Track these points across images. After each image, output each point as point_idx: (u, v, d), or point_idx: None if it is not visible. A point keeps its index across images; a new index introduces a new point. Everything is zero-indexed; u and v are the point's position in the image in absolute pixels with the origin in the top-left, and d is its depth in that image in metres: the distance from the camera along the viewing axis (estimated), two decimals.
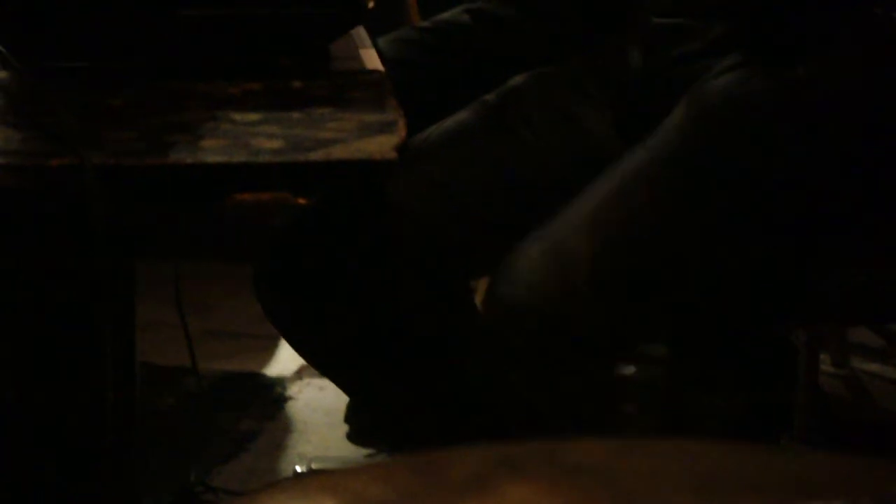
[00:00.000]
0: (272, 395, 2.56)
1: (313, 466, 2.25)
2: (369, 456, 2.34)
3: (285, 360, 2.64)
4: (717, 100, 1.55)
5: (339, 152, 1.33)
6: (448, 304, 1.86)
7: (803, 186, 1.54)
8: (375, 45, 1.61)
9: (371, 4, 1.53)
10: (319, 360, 1.85)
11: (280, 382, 2.60)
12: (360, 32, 1.61)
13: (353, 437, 2.43)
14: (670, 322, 1.56)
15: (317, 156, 1.32)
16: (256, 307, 1.88)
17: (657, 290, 1.53)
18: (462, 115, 1.81)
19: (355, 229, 1.75)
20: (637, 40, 1.70)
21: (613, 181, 1.56)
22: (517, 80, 1.81)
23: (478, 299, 2.47)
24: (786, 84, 1.55)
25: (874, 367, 2.62)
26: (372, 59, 1.57)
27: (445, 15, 2.22)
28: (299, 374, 2.61)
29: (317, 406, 2.51)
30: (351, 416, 2.45)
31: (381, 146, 1.34)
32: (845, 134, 1.54)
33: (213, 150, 1.32)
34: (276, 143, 1.34)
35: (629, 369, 2.33)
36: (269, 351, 2.68)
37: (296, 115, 1.41)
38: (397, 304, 1.76)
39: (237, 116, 1.40)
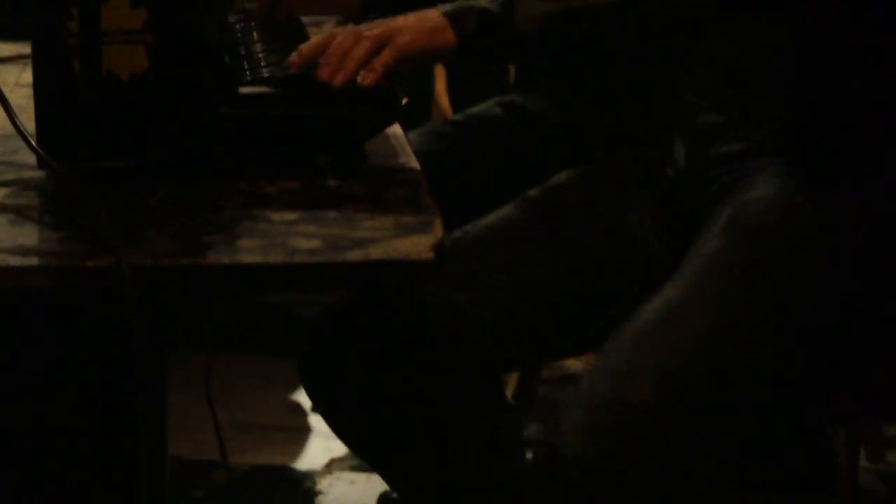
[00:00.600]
0: (301, 490, 2.54)
1: None
2: None
3: (315, 454, 2.63)
4: (760, 221, 1.54)
5: (375, 252, 1.32)
6: (481, 398, 1.85)
7: (847, 300, 1.54)
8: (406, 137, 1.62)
9: (405, 101, 1.54)
10: (359, 448, 1.84)
11: (309, 476, 2.58)
12: (396, 129, 1.61)
13: None
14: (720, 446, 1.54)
15: (354, 256, 1.32)
16: (285, 400, 1.87)
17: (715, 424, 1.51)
18: (504, 212, 1.80)
19: (394, 321, 1.75)
20: (682, 137, 1.69)
21: (661, 316, 1.53)
22: (560, 177, 1.80)
23: (509, 392, 2.46)
24: (831, 206, 1.55)
25: None
26: (407, 156, 1.57)
27: (477, 108, 2.23)
28: (329, 468, 2.59)
29: (346, 501, 2.49)
30: None
31: (418, 246, 1.33)
32: (889, 257, 1.54)
33: (249, 251, 1.32)
34: (312, 243, 1.34)
35: None
36: (298, 444, 2.67)
37: (332, 214, 1.41)
38: (433, 397, 1.75)
39: (274, 215, 1.40)
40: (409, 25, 1.51)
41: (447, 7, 1.53)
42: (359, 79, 1.48)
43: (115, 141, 1.46)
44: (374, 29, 1.52)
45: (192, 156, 1.48)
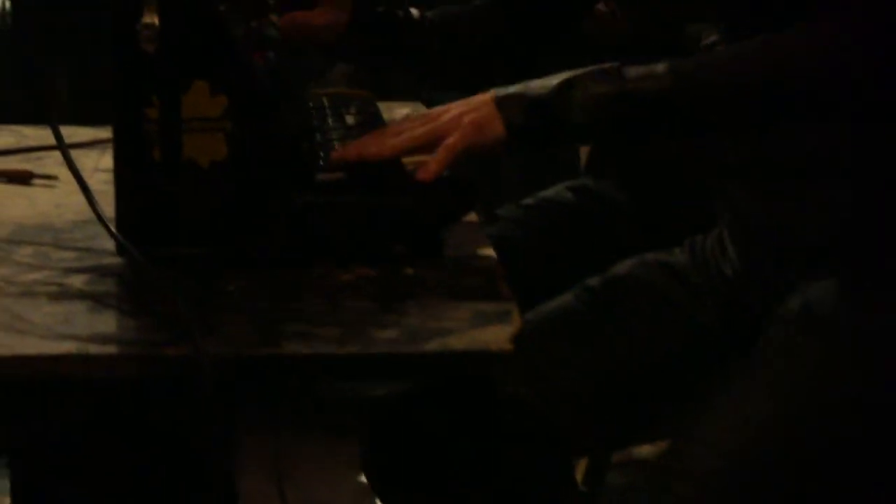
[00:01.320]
0: None
1: None
2: None
3: None
4: (832, 314, 1.53)
5: (454, 343, 1.31)
6: (550, 483, 1.83)
7: None
8: None
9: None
10: None
11: None
12: (471, 216, 1.60)
13: None
14: None
15: (431, 346, 1.31)
16: (352, 481, 1.86)
17: None
18: (565, 301, 1.79)
19: (457, 411, 1.74)
20: (733, 236, 1.69)
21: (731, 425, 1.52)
22: (622, 267, 1.79)
23: (578, 477, 2.44)
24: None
25: None
26: (483, 243, 1.57)
27: (548, 192, 2.22)
28: None
29: None
30: None
31: (497, 336, 1.32)
32: None
33: (326, 340, 1.31)
34: (390, 333, 1.33)
35: None
36: None
37: (409, 303, 1.40)
38: (500, 486, 1.73)
39: (350, 304, 1.39)
40: (460, 118, 1.50)
41: (501, 92, 1.51)
42: (418, 176, 1.48)
43: (193, 228, 1.47)
44: (420, 124, 1.52)
45: (269, 243, 1.48)
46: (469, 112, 1.50)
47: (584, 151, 2.66)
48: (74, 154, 1.58)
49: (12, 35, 2.93)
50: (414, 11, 1.85)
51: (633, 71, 1.49)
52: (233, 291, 1.41)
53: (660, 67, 1.48)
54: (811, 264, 1.58)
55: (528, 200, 2.22)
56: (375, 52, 1.84)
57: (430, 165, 1.48)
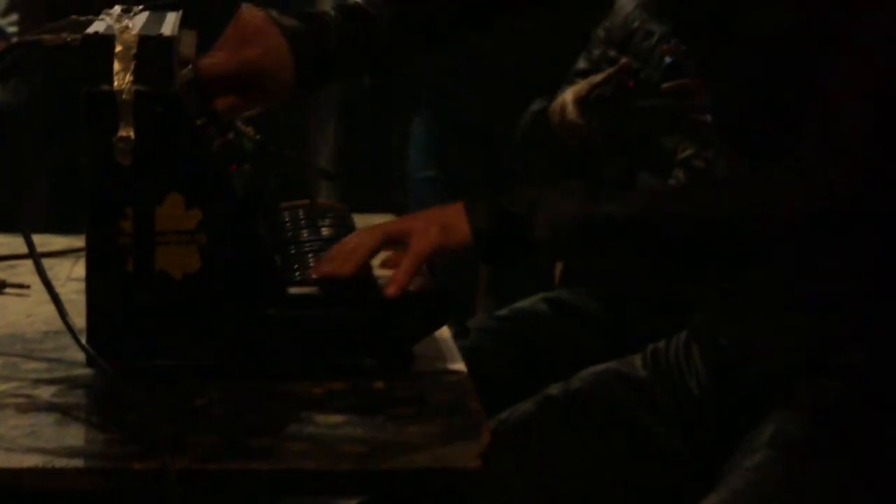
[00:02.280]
0: None
1: None
2: None
3: None
4: (805, 437, 1.53)
5: (422, 459, 1.32)
6: None
7: None
8: None
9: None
10: None
11: None
12: (443, 330, 1.60)
13: None
14: None
15: (399, 463, 1.31)
16: None
17: None
18: (525, 408, 1.78)
19: None
20: (703, 353, 1.68)
21: None
22: (583, 378, 1.79)
23: None
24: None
25: None
26: (454, 358, 1.57)
27: (523, 303, 2.23)
28: None
29: None
30: None
31: (465, 453, 1.32)
32: None
33: (295, 455, 1.31)
34: (358, 448, 1.33)
35: None
36: None
37: (379, 418, 1.40)
38: None
39: (320, 418, 1.39)
40: (425, 221, 1.50)
41: (476, 198, 1.51)
42: (386, 291, 1.48)
43: (164, 340, 1.47)
44: (389, 225, 1.53)
45: (241, 356, 1.48)
46: (439, 217, 1.51)
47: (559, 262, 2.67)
48: (48, 262, 1.59)
49: None
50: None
51: (604, 193, 1.49)
52: (202, 404, 1.41)
53: (632, 193, 1.49)
54: (785, 389, 1.58)
55: (503, 312, 2.23)
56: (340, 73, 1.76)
57: (396, 278, 1.48)
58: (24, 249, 1.49)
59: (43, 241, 1.67)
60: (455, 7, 1.71)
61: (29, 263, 1.55)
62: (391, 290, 1.47)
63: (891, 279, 1.55)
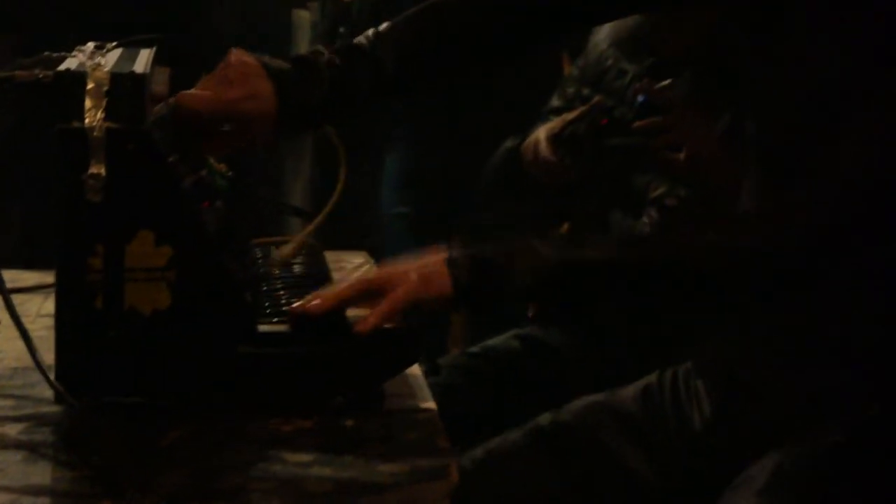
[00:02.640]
0: None
1: None
2: None
3: None
4: (808, 475, 1.53)
5: (391, 498, 1.31)
6: None
7: None
8: None
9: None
10: None
11: None
12: (413, 367, 1.60)
13: None
14: None
15: (368, 502, 1.31)
16: None
17: None
18: (512, 437, 1.79)
19: None
20: (710, 390, 1.69)
21: None
22: (573, 410, 1.79)
23: None
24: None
25: None
26: (424, 396, 1.57)
27: (495, 341, 2.23)
28: None
29: None
30: None
31: (433, 493, 1.32)
32: None
33: (262, 495, 1.31)
34: (325, 486, 1.33)
35: None
36: None
37: (347, 456, 1.40)
38: None
39: (288, 456, 1.39)
40: (407, 272, 1.50)
41: (455, 251, 1.52)
42: (357, 328, 1.48)
43: (133, 377, 1.47)
44: (371, 275, 1.53)
45: (209, 394, 1.48)
46: (419, 267, 1.51)
47: None
48: (19, 298, 1.58)
49: None
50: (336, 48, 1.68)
51: (583, 238, 1.50)
52: (171, 442, 1.41)
53: (610, 238, 1.49)
54: (792, 427, 1.57)
55: (474, 349, 2.23)
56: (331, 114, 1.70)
57: (369, 317, 1.48)
58: None
59: (13, 277, 1.67)
60: (465, 48, 1.70)
61: None
62: (362, 328, 1.47)
63: None
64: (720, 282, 1.50)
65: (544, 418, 1.78)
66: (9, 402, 1.50)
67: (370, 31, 1.67)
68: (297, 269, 1.76)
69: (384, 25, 1.68)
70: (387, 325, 1.49)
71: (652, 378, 1.76)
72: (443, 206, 2.91)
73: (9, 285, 1.46)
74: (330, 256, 1.86)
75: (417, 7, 1.69)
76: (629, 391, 1.77)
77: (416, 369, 1.61)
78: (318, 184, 3.33)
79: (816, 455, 1.54)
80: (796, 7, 1.50)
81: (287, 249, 1.72)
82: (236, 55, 1.60)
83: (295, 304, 1.51)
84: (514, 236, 1.53)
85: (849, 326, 1.55)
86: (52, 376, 1.44)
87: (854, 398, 1.54)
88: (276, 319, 1.54)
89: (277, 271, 1.73)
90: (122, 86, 1.45)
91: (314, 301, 1.50)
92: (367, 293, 1.51)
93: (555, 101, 2.38)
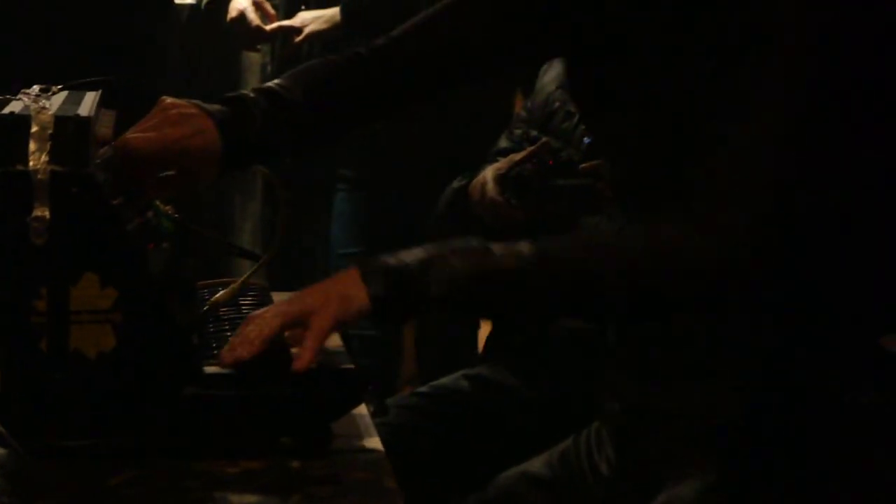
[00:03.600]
0: None
1: None
2: None
3: None
4: None
5: None
6: None
7: None
8: None
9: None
10: None
11: None
12: (361, 408, 1.61)
13: None
14: None
15: None
16: None
17: None
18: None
19: None
20: (608, 428, 1.70)
21: None
22: (498, 483, 1.80)
23: None
24: None
25: None
26: (371, 436, 1.57)
27: (444, 380, 2.24)
28: None
29: None
30: None
31: None
32: None
33: None
34: None
35: None
36: None
37: (295, 496, 1.40)
38: None
39: (234, 498, 1.39)
40: (323, 296, 1.50)
41: (369, 263, 1.51)
42: (293, 367, 1.48)
43: (78, 419, 1.46)
44: (286, 307, 1.52)
45: (155, 435, 1.47)
46: (335, 286, 1.51)
47: (481, 337, 2.69)
48: None
49: None
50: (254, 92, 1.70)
51: (497, 248, 1.50)
52: (116, 485, 1.40)
53: (525, 247, 1.50)
54: (684, 462, 1.59)
55: (423, 389, 2.23)
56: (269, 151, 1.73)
57: (302, 355, 1.48)
58: None
59: None
60: (362, 95, 1.73)
61: None
62: (297, 366, 1.47)
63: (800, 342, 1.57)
64: (632, 293, 1.52)
65: (471, 499, 1.80)
66: None
67: (285, 74, 1.70)
68: (245, 309, 1.75)
69: (299, 67, 1.71)
70: (335, 367, 1.50)
71: (568, 441, 1.78)
72: (393, 245, 2.92)
73: None
74: (279, 298, 1.86)
75: (338, 54, 1.73)
76: (548, 457, 1.78)
77: (363, 409, 1.62)
78: (268, 224, 3.33)
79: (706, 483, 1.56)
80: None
81: (224, 294, 1.72)
82: (170, 100, 1.61)
83: (224, 351, 1.51)
84: (428, 246, 1.53)
85: (712, 347, 1.57)
86: None
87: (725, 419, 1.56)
88: (221, 362, 1.54)
89: (224, 311, 1.73)
90: (67, 129, 1.45)
91: (240, 348, 1.50)
92: (289, 325, 1.50)
93: (502, 143, 2.40)
